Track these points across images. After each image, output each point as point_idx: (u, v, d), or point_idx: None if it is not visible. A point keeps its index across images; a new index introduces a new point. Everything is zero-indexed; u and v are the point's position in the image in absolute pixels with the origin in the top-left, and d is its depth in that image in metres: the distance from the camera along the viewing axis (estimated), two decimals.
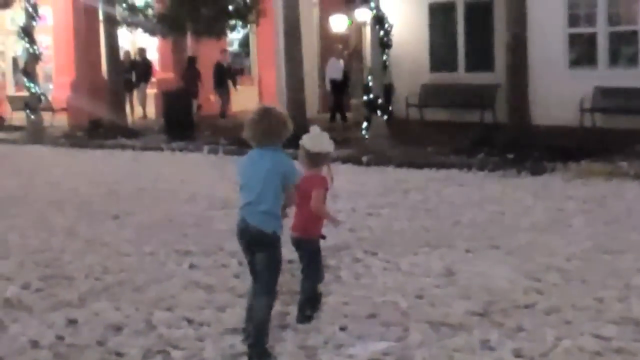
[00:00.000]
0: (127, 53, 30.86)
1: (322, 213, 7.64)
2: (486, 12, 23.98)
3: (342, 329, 7.51)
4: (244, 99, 32.39)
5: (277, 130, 6.83)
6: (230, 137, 22.39)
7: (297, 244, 7.77)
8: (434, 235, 11.20)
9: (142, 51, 31.58)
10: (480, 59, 23.98)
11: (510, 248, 10.29)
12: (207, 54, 30.42)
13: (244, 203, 6.82)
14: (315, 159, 7.61)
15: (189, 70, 29.31)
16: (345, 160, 17.82)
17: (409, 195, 14.34)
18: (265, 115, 6.83)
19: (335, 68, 25.53)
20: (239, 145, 21.08)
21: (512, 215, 12.38)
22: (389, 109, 20.80)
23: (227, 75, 28.83)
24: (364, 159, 18.20)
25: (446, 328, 7.46)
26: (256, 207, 6.74)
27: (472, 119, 23.18)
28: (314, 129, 7.69)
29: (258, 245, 6.80)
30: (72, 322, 7.99)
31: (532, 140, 17.70)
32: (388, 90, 23.54)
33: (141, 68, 31.33)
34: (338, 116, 25.87)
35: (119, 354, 7.12)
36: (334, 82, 25.72)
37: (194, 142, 22.62)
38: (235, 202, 13.84)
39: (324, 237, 7.91)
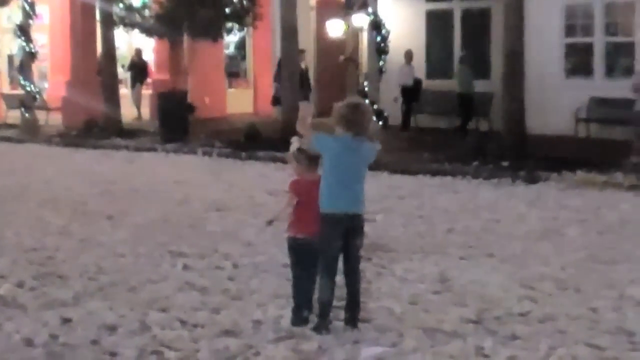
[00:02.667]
0: (138, 51, 31.10)
1: None
2: (483, 20, 24.08)
3: (336, 333, 7.51)
4: (239, 102, 32.44)
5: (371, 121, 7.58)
6: (224, 139, 22.41)
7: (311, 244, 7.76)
8: (428, 242, 11.22)
9: (138, 52, 31.56)
10: (476, 66, 23.99)
11: (505, 256, 10.31)
12: (204, 57, 30.45)
13: (345, 191, 7.36)
14: (317, 161, 7.63)
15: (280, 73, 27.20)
16: None
17: (404, 201, 14.37)
18: (368, 107, 7.65)
19: (405, 73, 24.27)
20: (233, 148, 21.14)
21: (507, 223, 12.41)
22: (384, 114, 20.78)
23: (305, 77, 25.78)
24: None
25: (440, 334, 7.46)
26: (358, 194, 7.47)
27: (468, 126, 23.20)
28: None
29: (358, 229, 7.58)
30: (66, 321, 7.97)
31: (527, 149, 17.74)
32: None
33: (137, 68, 31.34)
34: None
35: (113, 354, 7.11)
36: (404, 89, 24.29)
37: (188, 144, 22.59)
38: (229, 204, 14.00)
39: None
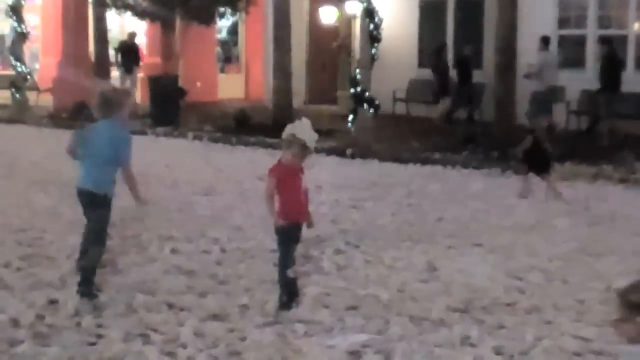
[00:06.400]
0: (132, 35, 30.53)
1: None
2: (476, 10, 24.00)
3: (323, 319, 7.51)
4: (230, 87, 32.40)
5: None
6: (215, 124, 22.40)
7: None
8: (417, 231, 11.20)
9: (132, 35, 31.20)
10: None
11: (493, 246, 10.30)
12: (196, 41, 30.34)
13: (85, 170, 8.15)
14: (306, 152, 7.61)
15: (439, 61, 23.85)
16: (329, 152, 17.84)
17: (393, 189, 14.33)
18: (109, 93, 8.45)
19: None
20: (223, 133, 21.12)
21: (495, 213, 12.40)
22: (375, 102, 20.69)
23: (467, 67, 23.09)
24: (348, 151, 18.20)
25: (427, 323, 7.47)
26: (94, 173, 8.14)
27: (458, 116, 23.17)
28: (307, 122, 7.64)
29: (92, 204, 8.22)
30: (52, 302, 7.96)
31: (518, 139, 17.71)
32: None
33: (130, 52, 31.08)
34: None
35: (99, 336, 7.11)
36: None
37: (178, 128, 22.55)
38: (218, 189, 14.00)
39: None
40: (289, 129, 7.52)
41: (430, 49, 24.72)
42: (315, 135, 7.59)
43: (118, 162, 8.16)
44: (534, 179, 13.72)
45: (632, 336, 4.38)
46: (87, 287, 8.08)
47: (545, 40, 20.11)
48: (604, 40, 20.62)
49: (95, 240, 8.24)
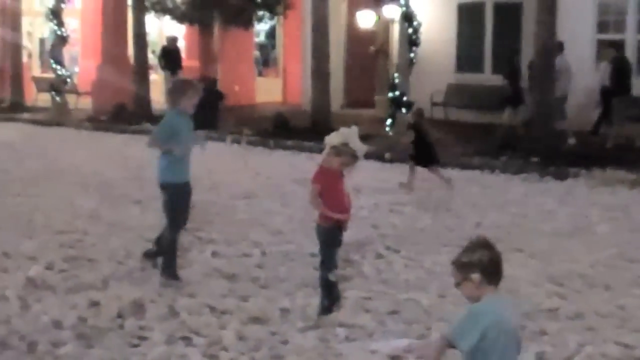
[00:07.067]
0: (174, 39, 30.14)
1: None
2: (515, 14, 23.91)
3: (364, 324, 7.52)
4: (268, 91, 32.45)
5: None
6: (253, 128, 22.45)
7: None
8: (457, 235, 11.15)
9: (174, 39, 31.04)
10: (507, 60, 23.88)
11: (533, 252, 10.26)
12: (234, 45, 30.43)
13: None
14: (355, 162, 7.66)
15: (511, 67, 21.80)
16: (368, 156, 17.73)
17: (432, 194, 14.30)
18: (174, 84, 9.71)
19: (606, 73, 20.82)
20: (261, 136, 21.16)
21: (535, 219, 12.35)
22: (413, 106, 20.66)
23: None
24: (387, 155, 18.18)
25: None
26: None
27: (497, 120, 23.06)
28: (355, 130, 7.65)
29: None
30: (94, 304, 8.03)
31: (557, 144, 17.64)
32: None
33: (173, 56, 31.06)
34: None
35: (141, 338, 7.16)
36: (604, 90, 20.75)
37: (217, 131, 22.61)
38: (257, 193, 14.04)
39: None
40: (339, 137, 7.52)
41: (469, 52, 24.68)
42: (365, 146, 7.64)
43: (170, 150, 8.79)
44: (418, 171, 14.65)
45: (471, 294, 4.75)
46: (168, 269, 8.81)
47: (559, 46, 19.99)
48: (611, 44, 20.53)
49: (168, 224, 8.98)
